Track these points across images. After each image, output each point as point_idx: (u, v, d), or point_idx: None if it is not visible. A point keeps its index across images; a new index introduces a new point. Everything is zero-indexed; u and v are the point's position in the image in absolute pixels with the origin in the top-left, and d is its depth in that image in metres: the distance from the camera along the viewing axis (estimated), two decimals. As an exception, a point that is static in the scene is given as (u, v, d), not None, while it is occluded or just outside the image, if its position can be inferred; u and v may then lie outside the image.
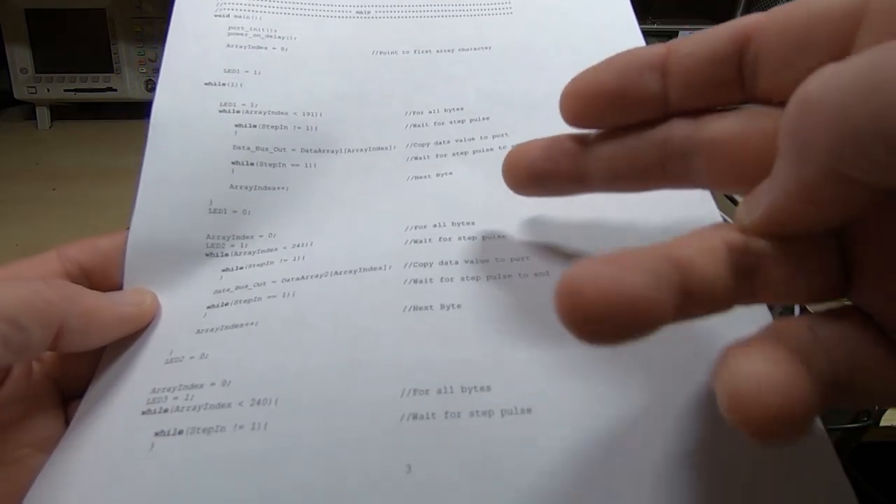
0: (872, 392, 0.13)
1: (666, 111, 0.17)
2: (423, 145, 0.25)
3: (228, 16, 0.28)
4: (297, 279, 0.21)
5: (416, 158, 0.25)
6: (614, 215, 0.22)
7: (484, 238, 0.22)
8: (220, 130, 0.25)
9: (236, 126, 0.25)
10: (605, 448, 0.16)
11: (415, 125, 0.26)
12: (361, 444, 0.17)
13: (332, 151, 0.25)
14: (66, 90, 0.71)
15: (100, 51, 0.71)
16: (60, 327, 0.18)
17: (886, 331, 0.13)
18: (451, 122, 0.26)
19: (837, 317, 0.14)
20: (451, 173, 0.24)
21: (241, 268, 0.23)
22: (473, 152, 0.25)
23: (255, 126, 0.25)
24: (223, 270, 0.23)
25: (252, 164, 0.24)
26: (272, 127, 0.25)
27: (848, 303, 0.14)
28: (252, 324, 0.20)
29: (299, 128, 0.25)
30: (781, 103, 0.12)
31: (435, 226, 0.22)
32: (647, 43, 0.21)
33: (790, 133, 0.12)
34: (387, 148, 0.25)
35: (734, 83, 0.16)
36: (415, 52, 0.28)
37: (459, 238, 0.22)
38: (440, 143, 0.25)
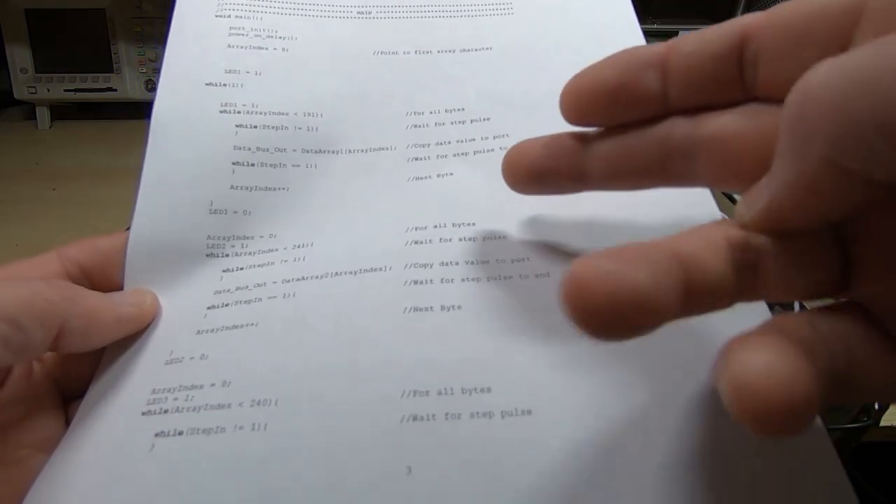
0: (871, 387, 0.13)
1: (666, 109, 0.17)
2: (423, 146, 0.25)
3: (229, 16, 0.28)
4: (298, 280, 0.21)
5: (416, 159, 0.25)
6: (615, 216, 0.22)
7: (484, 239, 0.22)
8: (221, 131, 0.25)
9: (237, 126, 0.25)
10: (606, 449, 0.16)
11: (415, 126, 0.26)
12: (361, 445, 0.17)
13: (333, 152, 0.25)
14: (66, 90, 0.71)
15: (100, 51, 0.71)
16: (61, 328, 0.18)
17: (886, 326, 0.13)
18: (451, 123, 0.26)
19: (836, 312, 0.14)
20: (451, 174, 0.24)
21: (242, 268, 0.23)
22: (474, 153, 0.25)
23: (255, 126, 0.25)
24: (223, 271, 0.23)
25: (253, 164, 0.24)
26: (273, 127, 0.25)
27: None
28: (252, 324, 0.20)
29: (300, 128, 0.25)
30: (781, 101, 0.12)
31: (436, 226, 0.22)
32: (647, 43, 0.21)
33: (790, 126, 0.12)
34: (387, 148, 0.25)
35: (734, 81, 0.16)
36: (416, 52, 0.28)
37: (460, 239, 0.22)
38: (441, 143, 0.25)
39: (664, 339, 0.18)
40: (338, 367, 0.18)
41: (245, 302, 0.21)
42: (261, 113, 0.25)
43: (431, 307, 0.20)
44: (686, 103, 0.17)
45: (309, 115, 0.26)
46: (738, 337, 0.13)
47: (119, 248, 0.22)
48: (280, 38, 0.28)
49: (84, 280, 0.22)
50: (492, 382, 0.18)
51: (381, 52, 0.28)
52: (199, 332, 0.20)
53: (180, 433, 0.17)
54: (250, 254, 0.23)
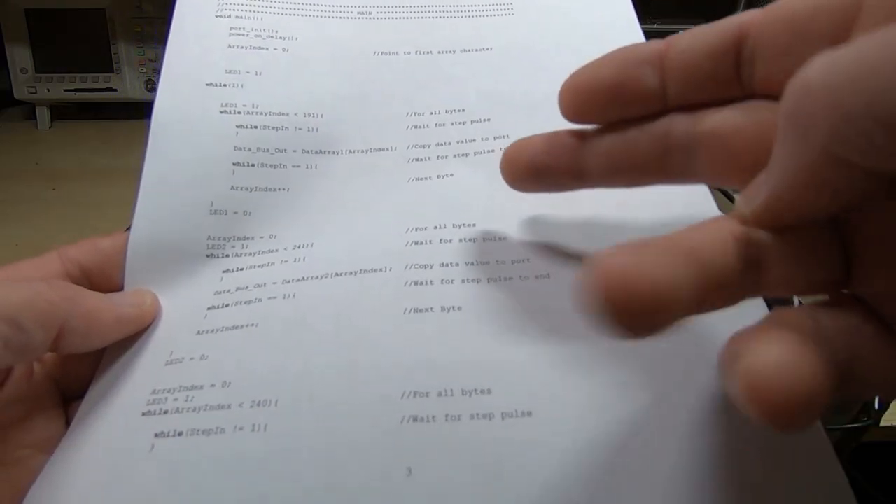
0: (872, 382, 0.13)
1: (665, 106, 0.17)
2: (424, 146, 0.25)
3: (229, 16, 0.28)
4: (298, 280, 0.21)
5: (417, 160, 0.25)
6: (614, 217, 0.22)
7: (485, 240, 0.22)
8: (221, 131, 0.25)
9: (237, 127, 0.25)
10: (606, 450, 0.16)
11: (416, 126, 0.26)
12: (361, 446, 0.17)
13: (333, 152, 0.25)
14: (66, 90, 0.71)
15: (100, 51, 0.70)
16: (61, 328, 0.18)
17: (886, 321, 0.13)
18: (452, 124, 0.26)
19: (837, 307, 0.14)
20: (452, 175, 0.24)
21: (242, 269, 0.23)
22: (474, 153, 0.25)
23: (256, 127, 0.25)
24: (224, 271, 0.23)
25: (253, 165, 0.24)
26: (273, 128, 0.25)
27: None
28: (252, 325, 0.20)
29: (300, 129, 0.25)
30: (779, 97, 0.12)
31: (436, 227, 0.22)
32: (648, 43, 0.21)
33: (789, 117, 0.12)
34: (388, 149, 0.25)
35: (732, 78, 0.16)
36: (416, 52, 0.28)
37: (460, 240, 0.22)
38: (441, 144, 0.25)
39: (665, 340, 0.18)
40: (338, 368, 0.18)
41: (245, 302, 0.21)
42: (261, 113, 0.25)
43: (431, 308, 0.20)
44: (685, 100, 0.17)
45: (309, 115, 0.26)
46: (744, 332, 0.13)
47: (119, 249, 0.22)
48: (280, 38, 0.28)
49: (84, 281, 0.22)
50: (492, 384, 0.18)
51: (382, 53, 0.28)
52: (199, 332, 0.20)
53: (180, 434, 0.17)
54: (250, 254, 0.23)
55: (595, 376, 0.18)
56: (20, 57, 0.70)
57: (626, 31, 0.27)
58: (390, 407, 0.17)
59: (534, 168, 0.19)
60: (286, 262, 0.22)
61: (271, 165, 0.25)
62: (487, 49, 0.28)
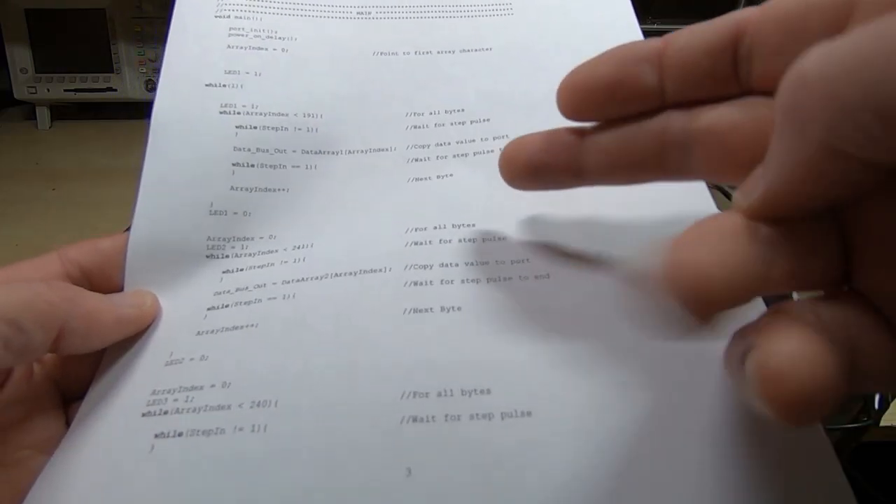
0: (872, 375, 0.13)
1: (663, 104, 0.17)
2: (423, 147, 0.25)
3: (229, 17, 0.28)
4: (298, 281, 0.21)
5: (416, 160, 0.25)
6: (614, 217, 0.22)
7: (484, 240, 0.22)
8: (221, 132, 0.25)
9: (237, 127, 0.25)
10: (606, 451, 0.16)
11: (415, 126, 0.26)
12: (361, 447, 0.17)
13: (333, 153, 0.25)
14: (66, 90, 0.71)
15: (100, 51, 0.71)
16: (61, 329, 0.18)
17: (886, 315, 0.13)
18: (451, 124, 0.26)
19: (837, 301, 0.14)
20: (451, 175, 0.24)
21: (242, 269, 0.23)
22: (474, 154, 0.25)
23: (255, 127, 0.25)
24: (223, 272, 0.23)
25: (252, 165, 0.24)
26: (273, 128, 0.25)
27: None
28: (252, 325, 0.20)
29: (300, 129, 0.25)
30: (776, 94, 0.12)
31: (435, 227, 0.22)
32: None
33: (785, 110, 0.12)
34: (387, 149, 0.25)
35: (730, 76, 0.16)
36: (415, 53, 0.28)
37: (460, 240, 0.22)
38: (441, 144, 0.25)
39: (664, 338, 0.18)
40: (337, 369, 0.18)
41: (245, 303, 0.21)
42: (261, 114, 0.25)
43: (431, 308, 0.20)
44: (683, 97, 0.17)
45: (309, 115, 0.26)
46: (750, 326, 0.13)
47: (119, 250, 0.22)
48: (280, 38, 0.28)
49: (84, 281, 0.22)
50: (491, 384, 0.18)
51: (381, 53, 0.28)
52: (199, 333, 0.20)
53: (180, 434, 0.17)
54: (250, 255, 0.23)
55: (595, 376, 0.18)
56: (20, 57, 0.70)
57: (626, 31, 0.27)
58: (390, 407, 0.17)
59: (532, 166, 0.19)
60: (286, 262, 0.22)
61: (271, 166, 0.25)
62: (487, 49, 0.28)
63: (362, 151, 0.25)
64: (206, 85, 0.26)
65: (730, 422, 0.16)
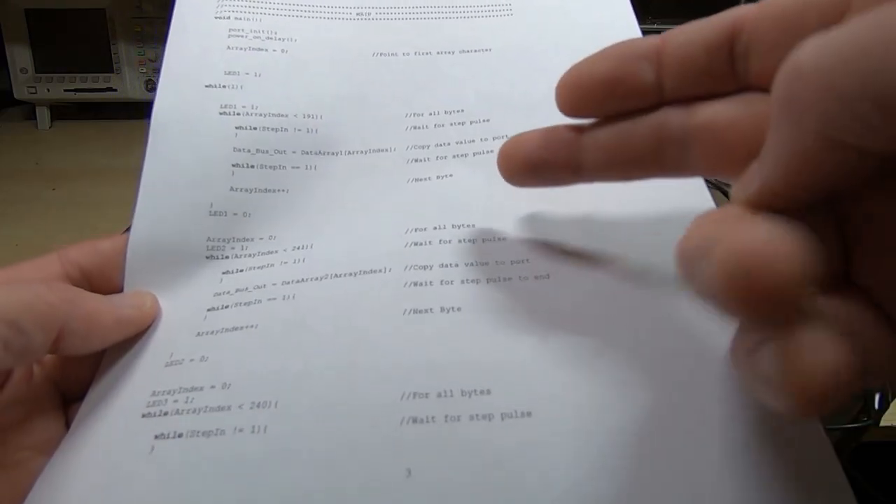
0: (873, 371, 0.13)
1: (660, 100, 0.17)
2: (423, 147, 0.25)
3: (229, 18, 0.28)
4: (298, 282, 0.21)
5: (416, 160, 0.25)
6: (613, 217, 0.22)
7: (484, 240, 0.22)
8: (221, 132, 0.25)
9: (237, 128, 0.25)
10: (606, 451, 0.16)
11: (415, 127, 0.26)
12: (361, 448, 0.17)
13: (333, 153, 0.25)
14: (66, 90, 0.71)
15: (100, 51, 0.71)
16: (61, 330, 0.18)
17: (886, 310, 0.13)
18: (451, 124, 0.26)
19: (837, 296, 0.14)
20: (451, 175, 0.24)
21: (242, 270, 0.23)
22: (474, 154, 0.25)
23: (255, 128, 0.25)
24: (223, 273, 0.23)
25: (252, 166, 0.24)
26: (272, 129, 0.25)
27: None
28: (252, 326, 0.20)
29: (299, 130, 0.25)
30: None
31: (435, 228, 0.22)
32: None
33: (782, 101, 0.12)
34: (387, 150, 0.25)
35: (727, 73, 0.16)
36: (415, 53, 0.28)
37: (460, 240, 0.22)
38: (440, 144, 0.25)
39: (664, 338, 0.18)
40: (337, 369, 0.18)
41: (245, 304, 0.21)
42: (260, 114, 0.25)
43: (431, 309, 0.20)
44: (681, 94, 0.17)
45: (308, 116, 0.26)
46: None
47: (119, 250, 0.22)
48: (279, 39, 0.28)
49: (84, 282, 0.22)
50: (491, 384, 0.18)
51: (381, 54, 0.28)
52: (198, 333, 0.20)
53: (180, 435, 0.17)
54: (250, 255, 0.23)
55: (595, 376, 0.18)
56: (20, 57, 0.70)
57: (625, 31, 0.27)
58: (390, 408, 0.17)
59: (531, 163, 0.19)
60: (286, 263, 0.22)
61: (271, 167, 0.25)
62: (486, 50, 0.28)
63: (362, 152, 0.25)
64: (206, 86, 0.26)
65: (730, 422, 0.16)
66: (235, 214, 0.24)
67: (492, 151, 0.25)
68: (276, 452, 0.17)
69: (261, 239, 0.23)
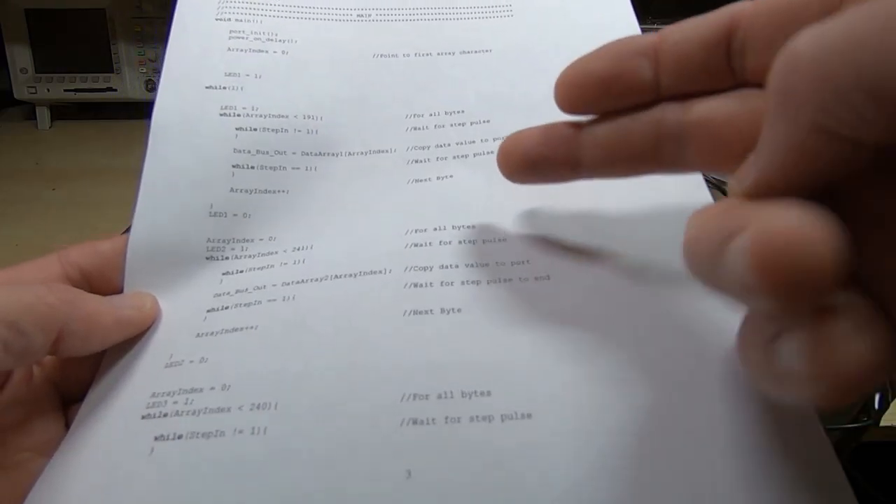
0: None
1: (658, 97, 0.17)
2: (423, 148, 0.25)
3: (229, 19, 0.28)
4: (298, 283, 0.21)
5: (416, 161, 0.25)
6: (614, 218, 0.22)
7: (484, 241, 0.22)
8: (221, 134, 0.25)
9: (237, 129, 0.25)
10: (606, 452, 0.16)
11: (415, 128, 0.26)
12: (361, 449, 0.17)
13: (333, 154, 0.25)
14: (66, 90, 0.71)
15: (100, 51, 0.70)
16: (61, 331, 0.18)
17: (886, 307, 0.13)
18: (451, 125, 0.26)
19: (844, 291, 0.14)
20: (451, 176, 0.24)
21: (242, 271, 0.23)
22: (474, 155, 0.25)
23: (255, 129, 0.25)
24: (223, 274, 0.23)
25: (252, 167, 0.24)
26: (273, 130, 0.25)
27: None
28: (252, 327, 0.20)
29: (300, 131, 0.25)
30: None
31: (435, 229, 0.22)
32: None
33: (777, 92, 0.12)
34: (387, 151, 0.25)
35: (723, 69, 0.16)
36: (415, 55, 0.28)
37: (460, 241, 0.22)
38: (441, 145, 0.25)
39: (664, 338, 0.18)
40: (337, 370, 0.18)
41: (245, 305, 0.21)
42: (261, 116, 0.25)
43: (431, 310, 0.20)
44: (677, 90, 0.17)
45: (309, 117, 0.26)
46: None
47: (119, 252, 0.22)
48: (280, 41, 0.28)
49: (84, 283, 0.22)
50: (492, 386, 0.18)
51: (381, 55, 0.28)
52: (198, 335, 0.20)
53: (180, 437, 0.17)
54: (250, 256, 0.23)
55: (595, 377, 0.18)
56: (20, 57, 0.70)
57: (626, 32, 0.27)
58: (390, 409, 0.17)
59: (530, 159, 0.19)
60: (286, 264, 0.22)
61: (271, 168, 0.25)
62: (486, 51, 0.28)
63: (362, 153, 0.25)
64: (207, 87, 0.26)
65: (730, 422, 0.16)
66: (235, 215, 0.24)
67: (492, 152, 0.24)
68: (276, 453, 0.17)
69: (261, 240, 0.23)
